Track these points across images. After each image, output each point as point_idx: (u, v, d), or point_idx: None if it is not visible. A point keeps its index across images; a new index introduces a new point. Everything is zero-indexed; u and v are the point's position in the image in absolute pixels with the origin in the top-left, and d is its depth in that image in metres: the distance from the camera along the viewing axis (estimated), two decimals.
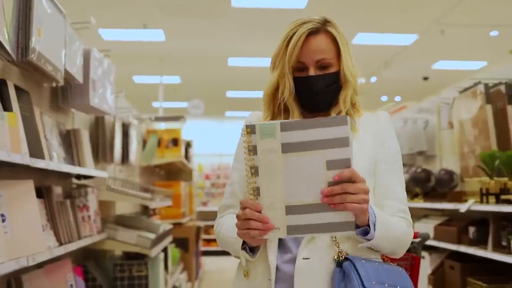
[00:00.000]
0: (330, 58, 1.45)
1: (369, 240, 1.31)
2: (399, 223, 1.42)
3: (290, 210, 1.20)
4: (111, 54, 3.13)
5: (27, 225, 1.97)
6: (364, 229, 1.30)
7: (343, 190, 1.18)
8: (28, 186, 2.05)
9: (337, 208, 1.19)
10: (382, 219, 1.33)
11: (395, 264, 1.46)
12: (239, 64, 9.57)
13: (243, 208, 1.24)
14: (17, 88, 2.06)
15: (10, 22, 1.77)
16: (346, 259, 1.34)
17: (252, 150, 1.20)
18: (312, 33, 1.43)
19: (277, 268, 1.40)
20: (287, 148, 1.18)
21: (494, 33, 7.67)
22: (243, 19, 7.38)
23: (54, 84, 2.40)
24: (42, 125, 2.36)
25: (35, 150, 2.06)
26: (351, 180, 1.19)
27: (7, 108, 1.90)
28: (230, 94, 12.20)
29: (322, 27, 1.45)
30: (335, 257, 1.36)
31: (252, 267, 1.43)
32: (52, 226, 2.39)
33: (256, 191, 1.21)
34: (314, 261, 1.36)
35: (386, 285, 1.31)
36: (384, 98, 12.63)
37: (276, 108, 1.50)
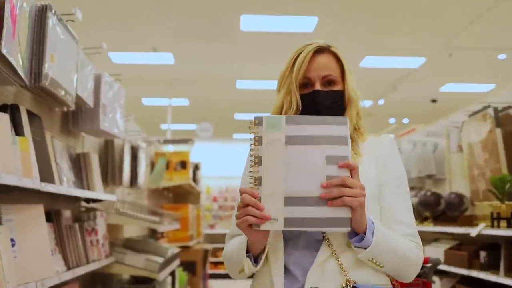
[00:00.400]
0: (335, 76, 1.49)
1: (365, 248, 1.30)
2: (406, 242, 1.40)
3: (289, 201, 1.24)
4: (122, 78, 3.17)
5: (36, 250, 1.98)
6: (360, 236, 1.30)
7: (341, 181, 1.22)
8: (38, 211, 2.06)
9: (334, 204, 1.22)
10: (382, 230, 1.33)
11: None
12: (248, 87, 9.64)
13: (242, 194, 1.26)
14: (29, 113, 2.09)
15: (24, 48, 1.80)
16: (354, 287, 1.33)
17: (258, 140, 1.27)
18: (318, 51, 1.48)
19: None
20: (290, 140, 1.26)
21: (502, 56, 7.69)
22: (252, 42, 7.46)
23: (65, 109, 2.42)
24: (52, 149, 2.38)
25: (46, 174, 2.07)
26: (352, 174, 1.25)
27: (19, 132, 1.92)
28: (238, 116, 12.26)
29: (327, 48, 1.50)
30: (343, 285, 1.35)
31: None
32: (61, 250, 2.39)
33: (258, 181, 1.26)
34: None
35: None
36: (392, 120, 12.62)
37: None
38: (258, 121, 1.28)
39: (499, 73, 8.56)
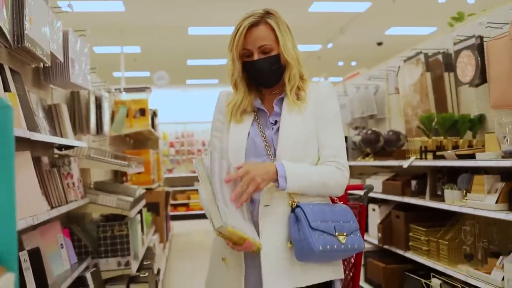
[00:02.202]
0: (270, 44, 1.79)
1: (283, 189, 1.69)
2: (323, 171, 1.74)
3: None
4: (87, 34, 3.35)
5: (28, 190, 2.27)
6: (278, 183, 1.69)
7: (243, 186, 1.61)
8: (26, 157, 2.33)
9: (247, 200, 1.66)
10: (293, 172, 1.69)
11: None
12: (199, 33, 9.74)
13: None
14: (11, 70, 2.31)
15: (9, 14, 2.02)
16: (298, 206, 1.71)
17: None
18: (253, 25, 1.78)
19: None
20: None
21: (442, 0, 8.12)
22: None
23: (41, 65, 2.64)
24: (30, 102, 2.61)
25: (31, 124, 2.33)
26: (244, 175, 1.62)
27: (7, 89, 2.16)
28: (191, 62, 12.35)
29: (262, 20, 1.79)
30: (289, 202, 1.73)
31: None
32: (43, 192, 2.67)
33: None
34: (273, 208, 1.73)
35: (330, 222, 1.69)
36: (340, 63, 13.04)
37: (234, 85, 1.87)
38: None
39: (439, 17, 9.02)
